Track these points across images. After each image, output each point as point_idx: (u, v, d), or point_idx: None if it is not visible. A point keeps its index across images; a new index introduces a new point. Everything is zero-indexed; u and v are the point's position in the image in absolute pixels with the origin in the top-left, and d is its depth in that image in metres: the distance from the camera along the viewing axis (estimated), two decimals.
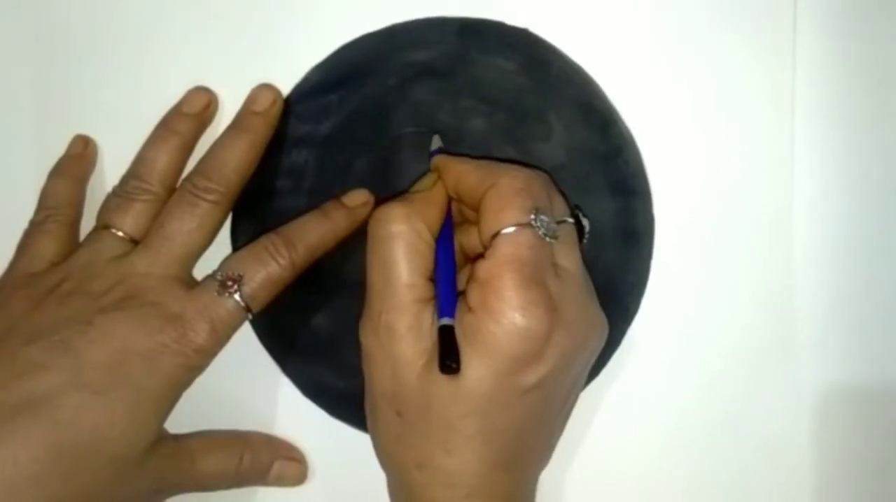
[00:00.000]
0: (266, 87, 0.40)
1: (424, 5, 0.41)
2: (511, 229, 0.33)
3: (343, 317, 0.40)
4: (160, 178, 0.39)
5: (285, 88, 0.41)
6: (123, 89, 0.42)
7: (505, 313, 0.32)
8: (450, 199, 0.37)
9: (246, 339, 0.40)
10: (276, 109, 0.40)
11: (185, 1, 0.42)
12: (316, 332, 0.40)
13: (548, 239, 0.34)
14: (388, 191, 0.39)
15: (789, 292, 0.41)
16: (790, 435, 0.41)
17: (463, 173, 0.36)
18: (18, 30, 0.42)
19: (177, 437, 0.38)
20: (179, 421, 0.37)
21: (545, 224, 0.34)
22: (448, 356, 0.33)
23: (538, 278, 0.33)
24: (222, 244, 0.40)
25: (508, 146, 0.40)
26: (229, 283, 0.36)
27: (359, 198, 0.39)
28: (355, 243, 0.39)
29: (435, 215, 0.36)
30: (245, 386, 0.41)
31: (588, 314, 0.35)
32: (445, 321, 0.34)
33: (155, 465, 0.36)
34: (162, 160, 0.39)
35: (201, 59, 0.42)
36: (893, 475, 0.41)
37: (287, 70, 0.41)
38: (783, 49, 0.40)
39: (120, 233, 0.38)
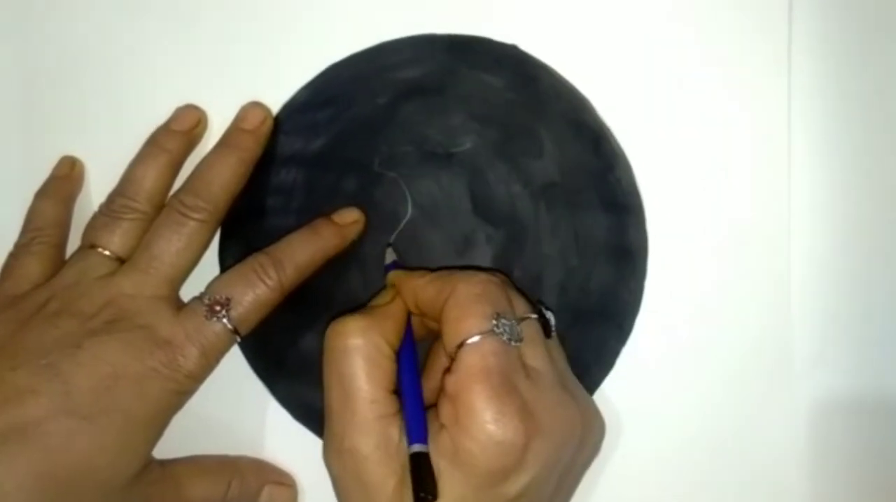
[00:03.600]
0: (256, 105, 0.40)
1: (413, 24, 0.41)
2: (474, 338, 0.32)
3: None
4: (148, 197, 0.39)
5: (274, 107, 0.41)
6: (111, 107, 0.42)
7: (479, 428, 0.31)
8: (408, 313, 0.36)
9: (234, 361, 0.40)
10: (266, 128, 0.40)
11: (173, 19, 0.42)
12: (305, 353, 0.40)
13: (513, 343, 0.33)
14: (378, 209, 0.39)
15: (786, 307, 0.40)
16: (788, 449, 0.40)
17: (419, 287, 0.35)
18: (5, 49, 0.42)
19: (163, 463, 0.37)
20: (166, 446, 0.37)
21: (508, 328, 0.33)
22: (422, 487, 0.31)
23: (508, 386, 0.32)
24: (210, 263, 0.40)
25: (500, 163, 0.39)
26: (217, 308, 0.36)
27: (349, 216, 0.39)
28: (345, 262, 0.39)
29: (393, 328, 0.35)
30: (233, 410, 0.41)
31: (567, 413, 0.34)
32: (417, 448, 0.32)
33: (141, 491, 0.36)
34: (150, 178, 0.39)
35: (190, 76, 0.41)
36: (891, 488, 0.41)
37: (276, 88, 0.41)
38: (777, 62, 0.40)
39: (106, 253, 0.38)
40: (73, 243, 0.40)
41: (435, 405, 0.34)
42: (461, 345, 0.33)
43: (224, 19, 0.41)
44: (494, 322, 0.33)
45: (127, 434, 0.35)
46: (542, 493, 0.33)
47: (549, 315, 0.36)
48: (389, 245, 0.39)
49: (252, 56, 0.41)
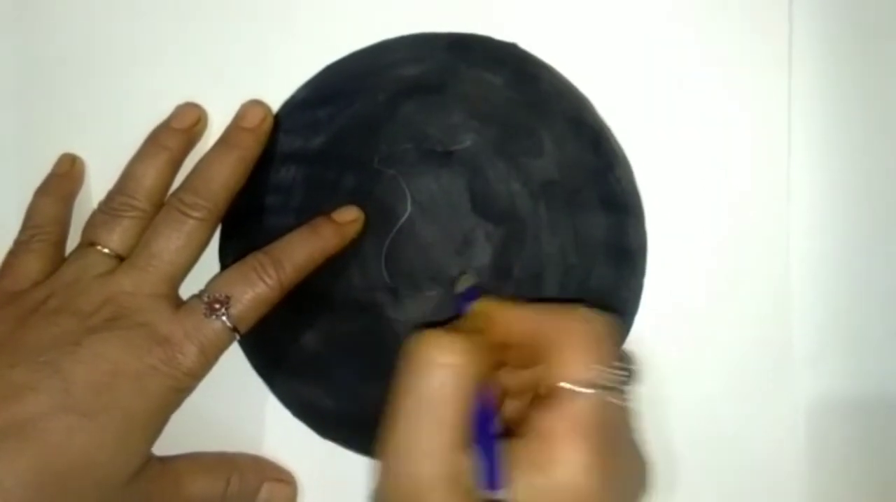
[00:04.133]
0: (256, 104, 0.40)
1: (413, 22, 0.41)
2: (579, 386, 0.30)
3: (332, 335, 0.39)
4: (147, 194, 0.39)
5: (274, 105, 0.41)
6: (111, 105, 0.42)
7: (567, 474, 0.30)
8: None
9: (233, 358, 0.40)
10: (266, 126, 0.40)
11: (172, 17, 0.42)
12: (304, 351, 0.40)
13: (615, 401, 0.31)
14: (377, 207, 0.39)
15: (785, 307, 0.40)
16: (787, 449, 0.40)
17: (517, 319, 0.33)
18: (4, 46, 0.42)
19: (163, 459, 0.37)
20: (165, 443, 0.37)
21: (615, 381, 0.31)
22: None
23: (602, 440, 0.30)
24: (210, 261, 0.40)
25: (500, 162, 0.39)
26: (216, 306, 0.36)
27: (348, 214, 0.39)
28: (344, 260, 0.39)
29: (485, 361, 0.32)
30: (233, 406, 0.41)
31: (637, 468, 0.33)
32: (499, 494, 0.30)
33: (141, 488, 0.36)
34: (150, 176, 0.39)
35: (190, 74, 0.41)
36: (890, 488, 0.41)
37: (276, 87, 0.41)
38: (778, 62, 0.40)
39: (106, 250, 0.38)
40: (73, 241, 0.40)
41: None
42: (560, 385, 0.31)
43: (224, 17, 0.41)
44: (607, 374, 0.31)
45: (126, 431, 0.35)
46: None
47: (635, 369, 0.34)
48: (464, 273, 0.38)
49: (252, 54, 0.41)
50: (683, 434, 0.40)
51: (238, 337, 0.37)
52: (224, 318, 0.36)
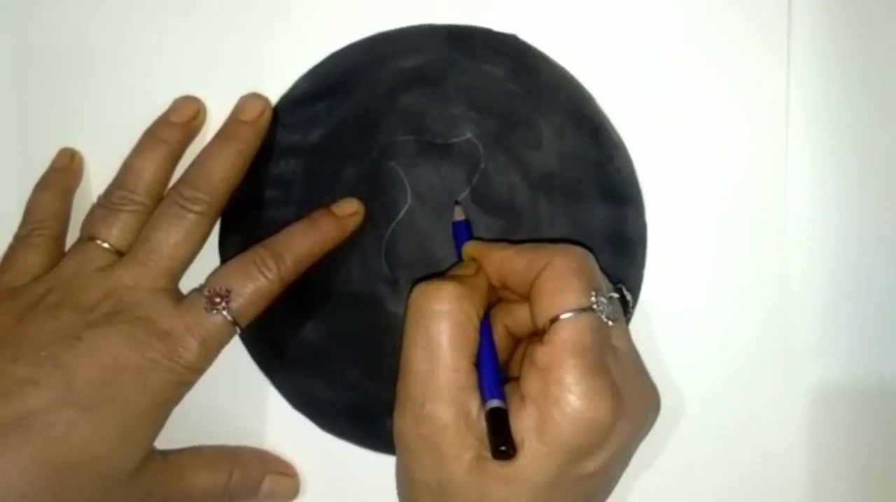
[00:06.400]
0: (255, 97, 0.40)
1: (411, 13, 0.41)
2: (570, 313, 0.32)
3: (332, 327, 0.39)
4: (147, 188, 0.39)
5: (273, 98, 0.41)
6: (110, 99, 0.41)
7: (569, 403, 0.31)
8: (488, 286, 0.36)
9: (234, 352, 0.40)
10: (265, 119, 0.40)
11: (172, 11, 0.41)
12: (305, 344, 0.40)
13: (609, 321, 0.33)
14: (377, 200, 0.39)
15: (785, 297, 0.40)
16: (787, 439, 0.40)
17: (506, 258, 0.35)
18: (3, 41, 0.42)
19: (165, 453, 0.38)
20: (167, 436, 0.37)
21: (605, 306, 0.33)
22: (502, 441, 0.31)
23: (601, 365, 0.32)
24: (210, 255, 0.40)
25: (499, 153, 0.39)
26: (217, 300, 0.36)
27: (348, 207, 0.39)
28: (344, 254, 0.39)
29: (480, 301, 0.34)
30: (234, 400, 0.41)
31: (646, 395, 0.35)
32: (495, 403, 0.32)
33: (143, 482, 0.36)
34: (149, 170, 0.39)
35: (188, 68, 0.41)
36: (891, 478, 0.41)
37: (275, 79, 0.41)
38: (777, 54, 0.40)
39: (105, 245, 0.38)
40: (73, 235, 0.40)
41: (512, 379, 0.34)
42: (555, 318, 0.33)
43: (222, 10, 0.41)
44: (593, 299, 0.33)
45: (128, 424, 0.35)
46: (616, 471, 0.34)
47: (629, 296, 0.36)
48: (457, 202, 0.39)
49: (250, 47, 0.41)
50: (683, 423, 0.41)
51: (239, 330, 0.37)
52: (225, 312, 0.36)
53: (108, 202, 0.39)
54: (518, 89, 0.40)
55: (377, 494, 0.37)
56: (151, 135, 0.40)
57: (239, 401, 0.41)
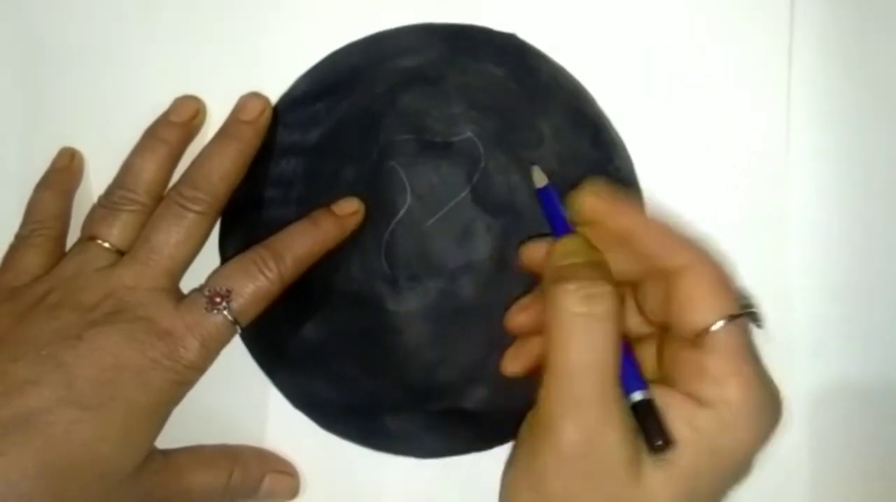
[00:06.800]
0: (255, 96, 0.40)
1: (411, 13, 0.41)
2: (724, 320, 0.32)
3: (332, 327, 0.39)
4: (147, 188, 0.39)
5: (273, 97, 0.41)
6: (110, 98, 0.42)
7: (751, 413, 0.32)
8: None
9: (235, 351, 0.40)
10: (265, 118, 0.40)
11: (171, 10, 0.41)
12: (305, 343, 0.40)
13: (757, 327, 0.34)
14: (377, 199, 0.39)
15: (786, 296, 0.40)
16: (787, 440, 0.40)
17: (637, 228, 0.34)
18: (4, 40, 0.42)
19: (165, 452, 0.38)
20: (168, 436, 0.37)
21: (753, 313, 0.33)
22: (659, 434, 0.31)
23: (756, 369, 0.33)
24: (211, 254, 0.40)
25: (500, 152, 0.39)
26: (217, 299, 0.36)
27: (348, 206, 0.39)
28: (344, 253, 0.39)
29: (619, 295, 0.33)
30: (234, 399, 0.41)
31: (776, 392, 0.34)
32: (641, 395, 0.32)
33: (144, 481, 0.36)
34: (149, 170, 0.39)
35: (188, 67, 0.41)
36: (891, 478, 0.41)
37: (275, 79, 0.41)
38: (778, 52, 0.40)
39: (106, 245, 0.38)
40: (73, 235, 0.40)
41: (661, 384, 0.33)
42: (709, 325, 0.32)
43: (222, 9, 0.41)
44: (745, 303, 0.33)
45: (129, 424, 0.35)
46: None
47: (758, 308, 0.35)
48: (533, 164, 0.37)
49: (250, 46, 0.41)
50: None
51: (239, 330, 0.37)
52: (225, 312, 0.36)
53: (109, 202, 0.39)
54: (518, 89, 0.40)
55: (378, 493, 0.37)
56: (152, 135, 0.40)
57: (239, 401, 0.41)
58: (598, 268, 0.33)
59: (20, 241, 0.39)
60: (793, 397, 0.40)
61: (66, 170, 0.41)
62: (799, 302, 0.40)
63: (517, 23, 0.41)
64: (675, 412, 0.32)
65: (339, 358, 0.39)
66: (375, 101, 0.40)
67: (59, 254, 0.39)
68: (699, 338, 0.32)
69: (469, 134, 0.39)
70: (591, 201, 0.35)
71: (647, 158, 0.41)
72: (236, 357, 0.40)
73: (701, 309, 0.32)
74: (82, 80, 0.42)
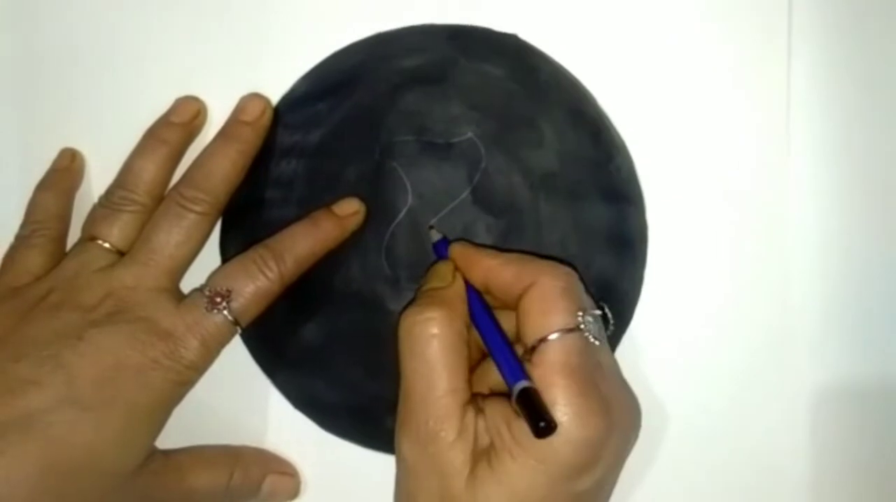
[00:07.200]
0: (255, 97, 0.40)
1: (412, 13, 0.41)
2: (558, 333, 0.33)
3: (333, 327, 0.39)
4: (147, 189, 0.39)
5: (274, 98, 0.41)
6: (111, 99, 0.42)
7: (561, 423, 0.32)
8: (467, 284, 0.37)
9: (235, 351, 0.40)
10: (266, 119, 0.40)
11: (171, 11, 0.41)
12: (306, 343, 0.40)
13: (595, 341, 0.33)
14: (378, 199, 0.39)
15: (785, 296, 0.40)
16: (787, 440, 0.40)
17: (493, 269, 0.35)
18: (4, 41, 0.42)
19: (166, 453, 0.38)
20: (168, 436, 0.37)
21: (592, 325, 0.33)
22: (541, 417, 0.31)
23: (592, 384, 0.33)
24: (211, 254, 0.40)
25: (500, 153, 0.39)
26: (218, 299, 0.36)
27: (349, 207, 0.39)
28: (345, 253, 0.39)
29: (463, 309, 0.35)
30: (235, 400, 0.41)
31: (631, 408, 0.35)
32: (523, 384, 0.32)
33: (144, 482, 0.36)
34: (149, 170, 0.39)
35: (189, 68, 0.41)
36: (891, 478, 0.41)
37: (275, 79, 0.41)
38: (777, 52, 0.40)
39: (106, 245, 0.38)
40: (74, 236, 0.40)
41: (500, 395, 0.34)
42: (543, 338, 0.33)
43: (223, 10, 0.41)
44: (580, 318, 0.33)
45: (129, 424, 0.35)
46: (608, 487, 0.35)
47: (609, 313, 0.36)
48: (431, 227, 0.39)
49: (251, 47, 0.41)
50: (683, 422, 0.41)
51: (239, 330, 0.37)
52: (225, 312, 0.36)
53: (109, 202, 0.39)
54: (519, 89, 0.40)
55: (378, 494, 0.37)
56: (152, 136, 0.40)
57: (240, 401, 0.41)
58: (433, 295, 0.35)
59: (20, 242, 0.39)
60: (793, 397, 0.40)
61: (66, 171, 0.41)
62: (799, 302, 0.40)
63: (518, 23, 0.41)
64: (509, 431, 0.33)
65: (339, 358, 0.39)
66: (376, 101, 0.40)
67: (59, 255, 0.39)
68: (532, 352, 0.33)
69: (470, 134, 0.39)
70: (457, 248, 0.37)
71: (647, 158, 0.41)
72: (236, 357, 0.40)
73: (531, 324, 0.33)
74: (82, 80, 0.42)
